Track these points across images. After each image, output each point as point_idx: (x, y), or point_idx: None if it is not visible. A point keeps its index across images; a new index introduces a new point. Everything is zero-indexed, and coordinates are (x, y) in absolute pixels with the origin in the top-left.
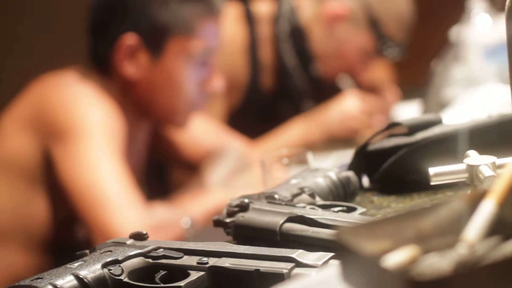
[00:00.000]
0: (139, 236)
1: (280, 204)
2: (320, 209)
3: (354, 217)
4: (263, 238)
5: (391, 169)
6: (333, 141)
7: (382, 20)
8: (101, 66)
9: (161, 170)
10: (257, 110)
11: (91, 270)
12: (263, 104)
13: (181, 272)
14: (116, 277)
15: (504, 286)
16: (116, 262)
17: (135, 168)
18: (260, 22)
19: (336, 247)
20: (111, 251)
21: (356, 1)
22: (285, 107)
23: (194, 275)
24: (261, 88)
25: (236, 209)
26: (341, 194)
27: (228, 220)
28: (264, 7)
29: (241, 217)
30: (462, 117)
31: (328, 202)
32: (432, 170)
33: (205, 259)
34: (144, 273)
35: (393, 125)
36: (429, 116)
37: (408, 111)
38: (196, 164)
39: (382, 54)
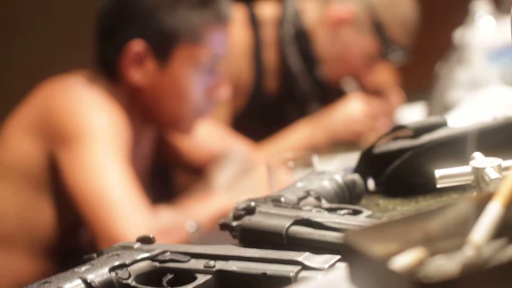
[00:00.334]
0: (146, 240)
1: (286, 207)
2: (326, 212)
3: (360, 220)
4: (269, 241)
5: (396, 172)
6: (337, 144)
7: (386, 23)
8: (108, 71)
9: (166, 174)
10: (262, 113)
11: (98, 274)
12: (267, 107)
13: (188, 275)
14: (124, 281)
15: None
16: (123, 265)
17: (141, 172)
18: (265, 26)
19: (343, 250)
20: (118, 254)
21: (361, 5)
22: (289, 110)
23: (201, 279)
24: (266, 91)
25: (242, 212)
26: (347, 197)
27: (234, 223)
28: (268, 11)
29: (248, 220)
30: (467, 120)
31: (334, 205)
32: (438, 173)
33: (212, 262)
34: (152, 277)
35: (398, 128)
36: (434, 119)
37: (412, 114)
38: (201, 168)
39: (386, 58)
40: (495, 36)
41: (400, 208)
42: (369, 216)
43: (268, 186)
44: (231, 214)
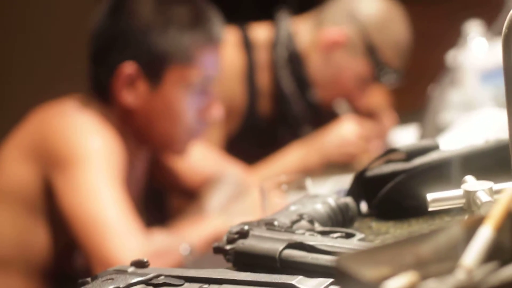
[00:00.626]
0: (140, 264)
1: (279, 230)
2: (319, 236)
3: (353, 243)
4: (263, 264)
5: (389, 195)
6: (330, 166)
7: (379, 46)
8: (101, 94)
9: (160, 197)
10: (255, 136)
11: None
12: (261, 130)
13: None
14: None
15: None
16: None
17: (134, 195)
18: (258, 48)
19: (336, 273)
20: (112, 279)
21: (353, 28)
22: (283, 132)
23: None
24: (259, 113)
25: (236, 236)
26: (340, 220)
27: (228, 247)
28: (261, 33)
29: (241, 243)
30: (459, 142)
31: (327, 228)
32: (429, 196)
33: (206, 286)
34: None
35: (391, 151)
36: (426, 142)
37: (405, 136)
38: (195, 191)
39: (379, 80)
40: (488, 57)
41: (393, 231)
42: (362, 239)
43: (262, 209)
44: (224, 238)
